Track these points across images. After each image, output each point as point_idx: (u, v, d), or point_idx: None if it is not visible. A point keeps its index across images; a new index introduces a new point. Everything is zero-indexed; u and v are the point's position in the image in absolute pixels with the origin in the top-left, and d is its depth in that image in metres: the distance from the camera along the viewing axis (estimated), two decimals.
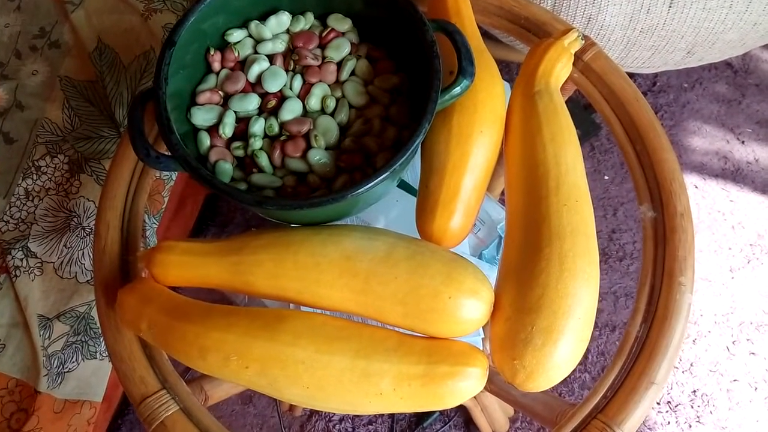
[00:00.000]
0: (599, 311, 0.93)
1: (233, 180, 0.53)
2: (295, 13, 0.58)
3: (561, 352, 0.45)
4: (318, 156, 0.51)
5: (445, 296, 0.46)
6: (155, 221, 0.77)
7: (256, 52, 0.56)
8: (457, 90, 0.50)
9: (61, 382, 0.69)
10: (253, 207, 0.46)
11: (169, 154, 0.49)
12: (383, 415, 1.10)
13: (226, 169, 0.53)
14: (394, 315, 0.48)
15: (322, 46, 0.57)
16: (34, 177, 0.74)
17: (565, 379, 0.77)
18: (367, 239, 0.50)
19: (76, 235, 0.71)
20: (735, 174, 1.27)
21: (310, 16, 0.58)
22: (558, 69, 0.57)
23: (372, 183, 0.46)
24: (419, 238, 0.53)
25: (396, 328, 0.49)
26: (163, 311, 0.50)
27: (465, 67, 0.51)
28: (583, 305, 0.46)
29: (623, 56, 0.79)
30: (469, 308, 0.47)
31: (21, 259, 0.70)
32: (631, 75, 0.73)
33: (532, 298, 0.46)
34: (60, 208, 0.72)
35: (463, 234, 0.54)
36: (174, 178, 0.78)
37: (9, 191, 0.74)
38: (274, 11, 0.57)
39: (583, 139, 1.28)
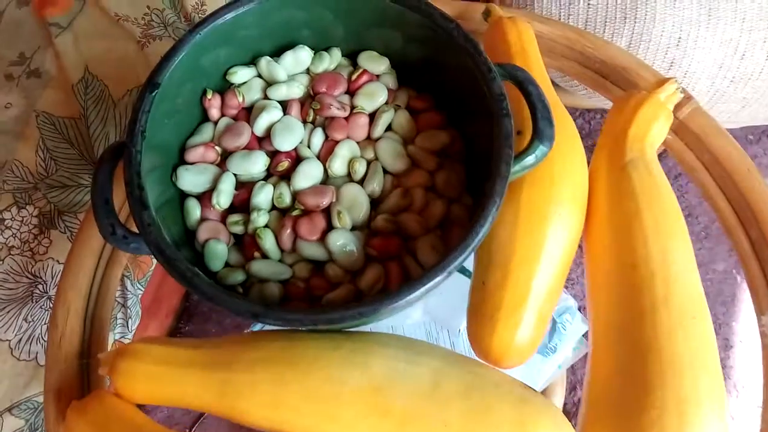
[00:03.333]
0: None
1: (227, 266, 0.40)
2: (318, 49, 0.45)
3: None
4: (342, 240, 0.38)
5: None
6: (140, 288, 0.65)
7: (266, 98, 0.44)
8: (530, 159, 0.37)
9: None
10: (248, 319, 0.33)
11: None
12: None
13: (219, 251, 0.40)
14: None
15: (351, 93, 0.44)
16: None
17: None
18: (404, 361, 0.36)
19: (40, 306, 0.59)
20: None
21: (336, 54, 0.45)
22: (655, 131, 0.44)
23: (418, 291, 0.33)
24: (473, 357, 0.40)
25: None
26: None
27: (542, 129, 0.37)
28: None
29: (707, 109, 0.66)
30: None
31: None
32: None
33: None
34: (23, 271, 0.60)
35: (531, 350, 0.40)
36: None
37: None
38: (291, 46, 0.44)
39: None
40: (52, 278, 0.60)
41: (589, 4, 0.61)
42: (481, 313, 0.40)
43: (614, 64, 0.51)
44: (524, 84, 0.39)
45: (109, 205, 0.37)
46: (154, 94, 0.38)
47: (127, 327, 0.64)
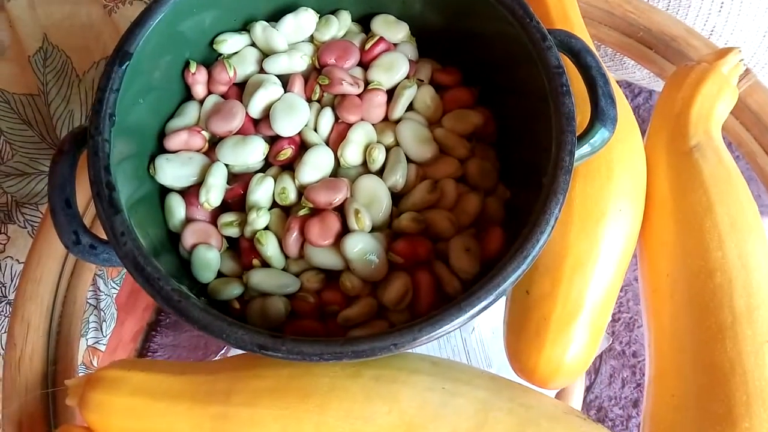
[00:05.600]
0: None
1: (220, 277, 0.33)
2: (323, 12, 0.38)
3: None
4: (360, 245, 0.31)
5: None
6: (114, 287, 0.57)
7: (262, 71, 0.36)
8: (589, 147, 0.31)
9: None
10: (254, 352, 0.26)
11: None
12: None
13: (209, 259, 0.33)
14: None
15: (365, 65, 0.37)
16: None
17: None
18: (440, 391, 0.30)
19: None
20: None
21: (345, 17, 0.38)
22: (719, 110, 0.38)
23: (461, 318, 0.26)
24: (516, 380, 0.33)
25: None
26: None
27: (604, 109, 0.31)
28: None
29: None
30: None
31: None
32: None
33: None
34: None
35: (582, 369, 0.34)
36: None
37: None
38: (290, 9, 0.37)
39: None
40: (12, 280, 0.53)
41: None
42: (524, 326, 0.34)
43: (661, 32, 0.45)
44: (581, 55, 0.32)
45: (71, 208, 0.30)
46: (124, 66, 0.31)
47: (101, 331, 0.56)
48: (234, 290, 0.32)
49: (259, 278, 0.32)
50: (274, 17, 0.37)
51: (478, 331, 0.58)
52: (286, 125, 0.34)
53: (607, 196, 0.33)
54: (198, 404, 0.32)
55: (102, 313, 0.56)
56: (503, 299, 0.35)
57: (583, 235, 0.33)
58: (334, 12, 0.38)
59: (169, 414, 0.32)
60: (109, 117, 0.30)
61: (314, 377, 0.31)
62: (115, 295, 0.58)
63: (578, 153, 0.30)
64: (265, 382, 0.31)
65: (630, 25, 0.45)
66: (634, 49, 0.45)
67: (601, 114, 0.31)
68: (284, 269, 0.33)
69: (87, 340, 0.56)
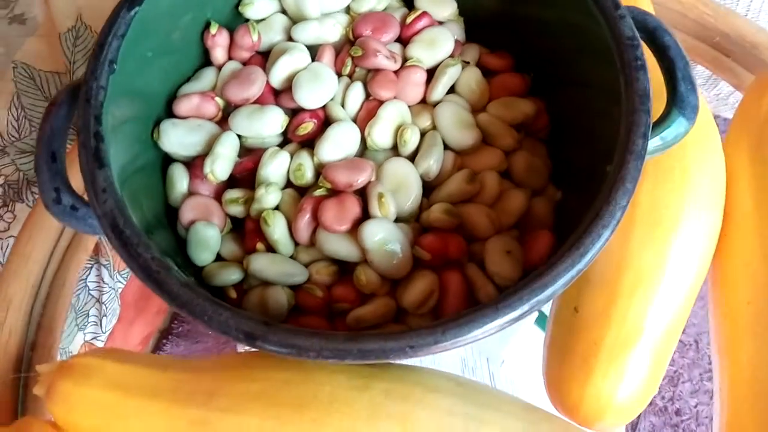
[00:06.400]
0: None
1: (218, 260, 0.29)
2: None
3: None
4: (381, 234, 0.27)
5: None
6: (120, 281, 0.54)
7: (289, 39, 0.33)
8: (658, 141, 0.26)
9: None
10: (239, 340, 0.22)
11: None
12: None
13: (208, 238, 0.29)
14: None
15: (404, 41, 0.33)
16: None
17: None
18: (462, 416, 0.25)
19: None
20: None
21: None
22: None
23: (496, 321, 0.21)
24: (553, 412, 0.28)
25: None
26: None
27: (684, 94, 0.26)
28: None
29: None
30: None
31: None
32: None
33: None
34: None
35: (637, 409, 0.28)
36: None
37: None
38: None
39: None
40: None
41: None
42: (569, 351, 0.28)
43: (741, 38, 0.40)
44: (658, 33, 0.27)
45: (56, 162, 0.26)
46: (133, 12, 0.27)
47: (100, 326, 0.53)
48: (232, 275, 0.28)
49: (261, 264, 0.28)
50: None
51: (510, 366, 0.51)
52: (310, 96, 0.30)
53: (681, 202, 0.28)
54: (176, 405, 0.27)
55: (104, 307, 0.52)
56: (546, 319, 0.30)
57: (648, 245, 0.27)
58: None
59: (141, 414, 0.27)
60: (108, 63, 0.26)
61: (314, 385, 0.26)
62: (120, 290, 0.54)
63: (653, 143, 0.25)
64: (255, 385, 0.26)
65: (705, 28, 0.40)
66: (708, 56, 0.41)
67: (680, 100, 0.26)
68: (292, 257, 0.29)
69: (85, 334, 0.52)
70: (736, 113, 0.34)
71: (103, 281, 0.52)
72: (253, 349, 0.23)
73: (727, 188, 0.31)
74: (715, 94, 0.52)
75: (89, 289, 0.52)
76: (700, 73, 0.47)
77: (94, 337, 0.53)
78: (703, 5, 0.41)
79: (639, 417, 0.75)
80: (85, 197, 0.25)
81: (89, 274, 0.51)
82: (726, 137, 0.34)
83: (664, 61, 0.27)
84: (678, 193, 0.28)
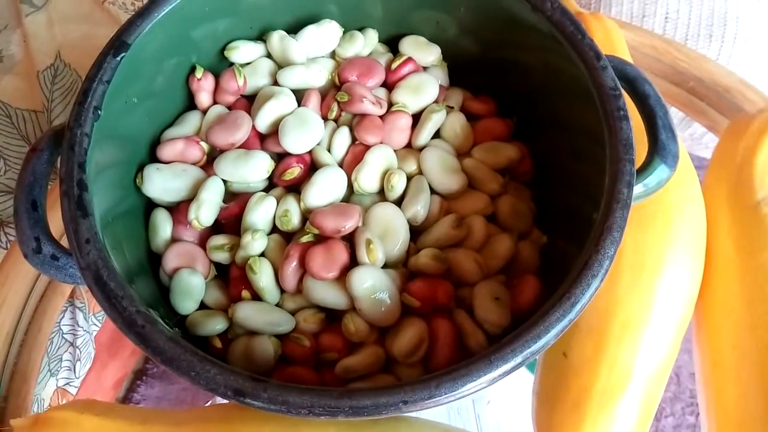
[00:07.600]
0: None
1: (203, 308, 0.28)
2: (349, 28, 0.34)
3: None
4: (370, 281, 0.26)
5: None
6: (95, 323, 0.52)
7: (275, 83, 0.33)
8: (641, 188, 0.26)
9: None
10: (227, 398, 0.21)
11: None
12: None
13: (192, 286, 0.28)
14: None
15: (390, 86, 0.33)
16: None
17: None
18: None
19: None
20: None
21: (372, 36, 0.34)
22: None
23: (489, 375, 0.21)
24: None
25: None
26: None
27: (665, 143, 0.26)
28: None
29: None
30: None
31: None
32: None
33: None
34: None
35: None
36: None
37: None
38: (314, 20, 0.34)
39: None
40: None
41: (666, 18, 0.51)
42: (560, 398, 0.28)
43: (713, 83, 0.41)
44: (637, 83, 0.28)
45: (37, 211, 0.25)
46: (119, 58, 0.27)
47: (74, 372, 0.51)
48: (217, 325, 0.27)
49: (246, 312, 0.27)
50: (295, 29, 0.34)
51: (496, 405, 0.51)
52: (296, 141, 0.30)
53: (664, 247, 0.28)
54: None
55: (78, 351, 0.51)
56: (534, 364, 0.29)
57: (635, 291, 0.28)
58: (360, 30, 0.35)
59: None
60: (93, 110, 0.26)
61: None
62: (95, 333, 0.52)
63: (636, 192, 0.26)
64: None
65: (679, 73, 0.42)
66: (684, 99, 0.42)
67: (661, 148, 0.26)
68: (278, 305, 0.28)
69: (57, 380, 0.50)
70: (713, 158, 0.35)
71: (78, 324, 0.51)
72: None
73: (708, 233, 0.31)
74: (690, 134, 0.54)
75: (63, 333, 0.50)
76: (674, 113, 0.49)
77: (67, 383, 0.51)
78: (676, 50, 0.42)
79: None
80: (65, 243, 0.25)
81: (63, 317, 0.50)
82: (704, 182, 0.35)
83: (645, 109, 0.28)
84: (661, 238, 0.28)
